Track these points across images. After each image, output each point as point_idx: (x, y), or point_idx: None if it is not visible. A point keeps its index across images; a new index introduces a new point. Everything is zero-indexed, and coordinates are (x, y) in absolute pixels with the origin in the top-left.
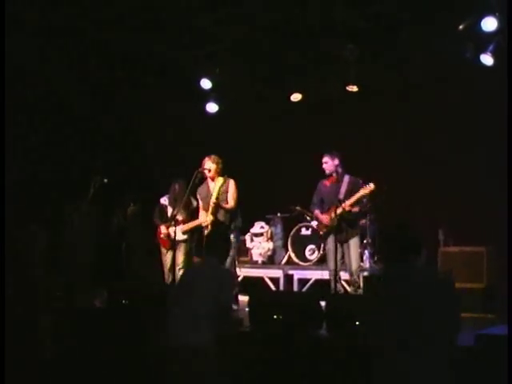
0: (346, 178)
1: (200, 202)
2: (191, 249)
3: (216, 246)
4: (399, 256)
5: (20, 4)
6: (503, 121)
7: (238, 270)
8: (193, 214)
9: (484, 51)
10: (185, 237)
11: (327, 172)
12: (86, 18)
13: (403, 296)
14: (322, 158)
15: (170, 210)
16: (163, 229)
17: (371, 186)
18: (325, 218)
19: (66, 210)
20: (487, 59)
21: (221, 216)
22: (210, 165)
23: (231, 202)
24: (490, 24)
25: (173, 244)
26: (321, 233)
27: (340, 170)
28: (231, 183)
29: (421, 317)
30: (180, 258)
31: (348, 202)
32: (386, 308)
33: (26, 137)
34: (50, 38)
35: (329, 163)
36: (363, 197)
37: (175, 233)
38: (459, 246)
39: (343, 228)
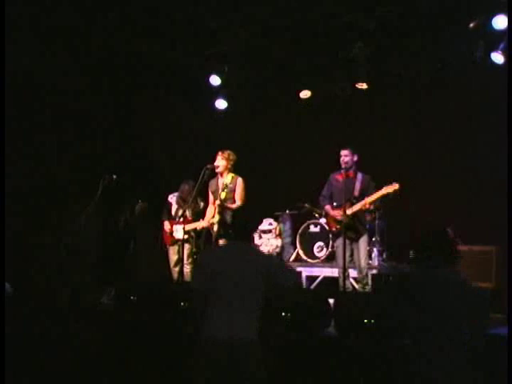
0: (360, 176)
1: (210, 196)
2: (198, 246)
3: (241, 229)
4: (437, 261)
5: (20, 4)
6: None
7: None
8: (198, 215)
9: (495, 49)
10: (186, 236)
11: (344, 166)
12: (89, 19)
13: (437, 301)
14: (341, 151)
15: (174, 208)
16: (167, 225)
17: (396, 185)
18: (338, 214)
19: (73, 208)
20: (498, 57)
21: (228, 215)
22: (219, 161)
23: (238, 201)
24: (500, 22)
25: (175, 240)
26: (333, 229)
27: (355, 166)
28: (239, 182)
29: (451, 323)
30: (185, 254)
31: (369, 200)
32: (422, 313)
33: (31, 138)
34: (49, 38)
35: (349, 157)
36: (385, 195)
37: (184, 230)
38: (468, 244)
39: (355, 226)
